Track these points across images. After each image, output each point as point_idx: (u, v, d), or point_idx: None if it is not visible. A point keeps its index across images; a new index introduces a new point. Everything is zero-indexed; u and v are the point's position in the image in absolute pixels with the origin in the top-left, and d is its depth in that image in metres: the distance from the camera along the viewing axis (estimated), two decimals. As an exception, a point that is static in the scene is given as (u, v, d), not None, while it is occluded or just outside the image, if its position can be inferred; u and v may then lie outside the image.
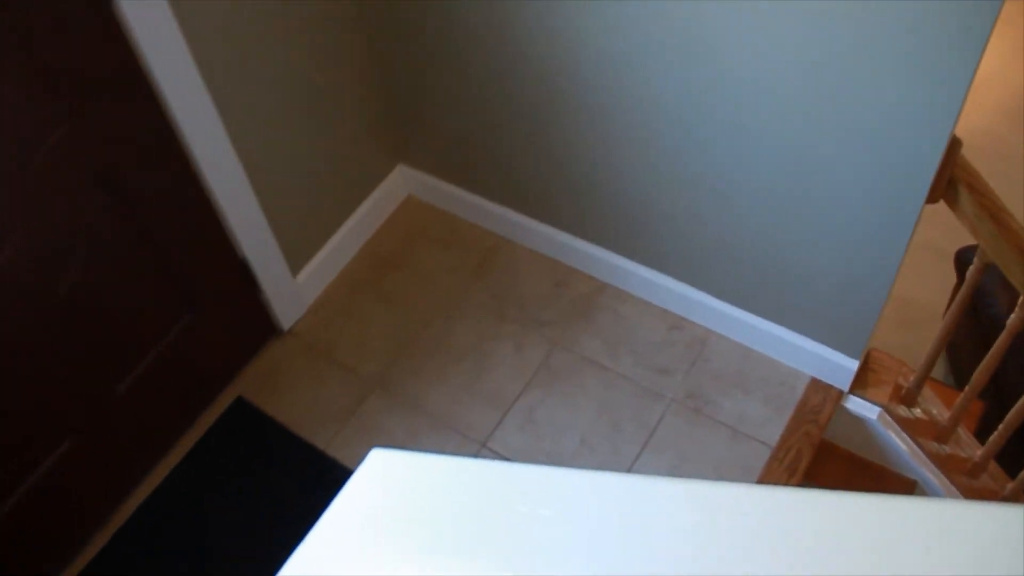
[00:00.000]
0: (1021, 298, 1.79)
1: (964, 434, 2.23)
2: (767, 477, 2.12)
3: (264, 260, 2.26)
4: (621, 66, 1.85)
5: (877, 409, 2.20)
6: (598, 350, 2.38)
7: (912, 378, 2.17)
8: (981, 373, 2.00)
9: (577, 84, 1.96)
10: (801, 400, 2.22)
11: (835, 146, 1.70)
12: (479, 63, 2.09)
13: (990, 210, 1.67)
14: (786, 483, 2.10)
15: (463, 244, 2.61)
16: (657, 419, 2.25)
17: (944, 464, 2.22)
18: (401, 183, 2.64)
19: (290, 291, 2.39)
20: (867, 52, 1.51)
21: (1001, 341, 1.90)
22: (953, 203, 1.70)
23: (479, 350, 2.40)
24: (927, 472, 2.24)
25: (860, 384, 2.20)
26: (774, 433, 2.19)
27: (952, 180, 1.66)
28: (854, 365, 2.14)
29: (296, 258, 2.38)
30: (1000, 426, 2.09)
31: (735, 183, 1.93)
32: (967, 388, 2.07)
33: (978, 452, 2.19)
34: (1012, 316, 1.84)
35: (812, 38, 1.55)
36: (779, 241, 1.99)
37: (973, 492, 2.24)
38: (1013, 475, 2.22)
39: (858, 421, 2.23)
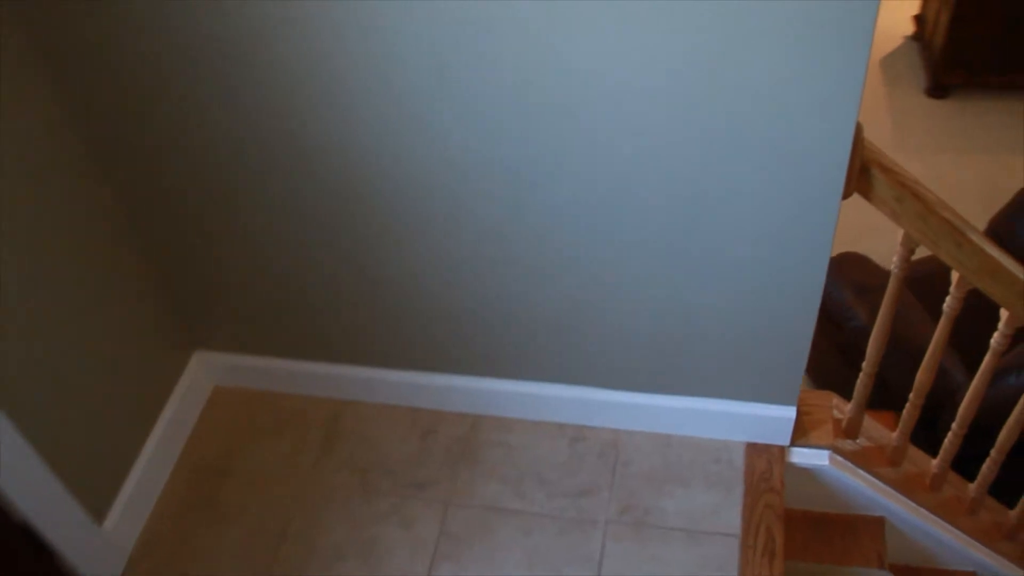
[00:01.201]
0: (955, 279, 1.62)
1: (913, 450, 2.03)
2: (748, 571, 1.79)
3: (53, 516, 1.69)
4: (444, 161, 1.54)
5: (825, 452, 1.95)
6: (500, 494, 1.98)
7: (848, 407, 1.95)
8: (925, 372, 1.81)
9: (397, 200, 1.63)
10: (746, 472, 1.93)
11: (733, 180, 1.47)
12: (265, 209, 1.71)
13: (910, 188, 1.50)
14: (770, 572, 1.78)
15: (298, 423, 2.14)
16: (599, 549, 1.87)
17: (906, 487, 2.01)
18: (203, 373, 2.14)
19: (97, 544, 1.81)
20: (752, 56, 1.30)
21: (940, 330, 1.73)
22: (868, 191, 1.51)
23: (360, 541, 1.92)
24: (891, 502, 2.01)
25: (799, 432, 1.95)
26: (733, 519, 1.87)
27: (864, 166, 1.48)
28: (792, 413, 1.89)
29: (97, 502, 1.81)
30: (950, 434, 1.92)
31: (615, 262, 1.66)
32: (912, 396, 1.88)
33: (934, 462, 2.00)
34: (947, 300, 1.67)
35: (680, 50, 1.32)
36: (682, 310, 1.73)
37: (940, 507, 2.04)
38: (971, 477, 2.05)
39: (809, 473, 1.98)
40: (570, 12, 1.29)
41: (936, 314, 1.74)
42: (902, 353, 2.43)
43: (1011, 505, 2.08)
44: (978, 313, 2.53)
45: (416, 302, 1.85)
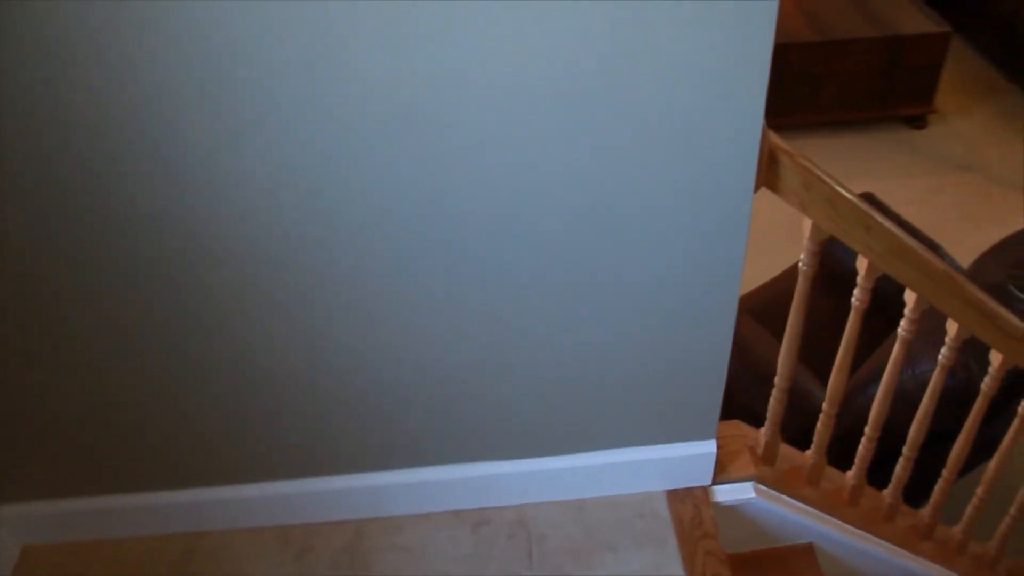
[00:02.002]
0: (864, 267, 1.54)
1: (828, 468, 1.93)
2: (706, 629, 1.58)
3: None
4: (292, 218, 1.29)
5: (749, 484, 1.81)
6: (405, 607, 1.68)
7: (763, 431, 1.82)
8: (838, 377, 1.72)
9: (233, 274, 1.35)
10: (674, 521, 1.74)
11: (636, 189, 1.31)
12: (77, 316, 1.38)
13: (815, 172, 1.41)
14: (727, 624, 1.59)
15: (141, 570, 1.73)
16: (535, 645, 1.61)
17: (829, 505, 1.90)
18: (7, 533, 1.69)
19: None
20: (649, 45, 1.16)
21: (851, 327, 1.64)
22: (776, 181, 1.41)
23: None
24: (819, 524, 1.89)
25: (718, 468, 1.79)
26: (677, 574, 1.67)
27: (771, 154, 1.37)
28: (712, 447, 1.73)
29: None
30: (863, 440, 1.84)
31: (502, 311, 1.45)
32: (826, 407, 1.78)
33: (850, 475, 1.91)
34: (856, 293, 1.59)
35: (566, 42, 1.16)
36: (585, 353, 1.54)
37: (862, 520, 1.95)
38: (882, 485, 1.98)
39: (734, 511, 1.82)
40: (426, 6, 1.10)
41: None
42: (752, 377, 2.38)
43: (909, 504, 2.05)
44: (821, 330, 2.54)
45: (268, 401, 1.55)
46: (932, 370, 1.73)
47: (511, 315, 1.46)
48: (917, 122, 4.77)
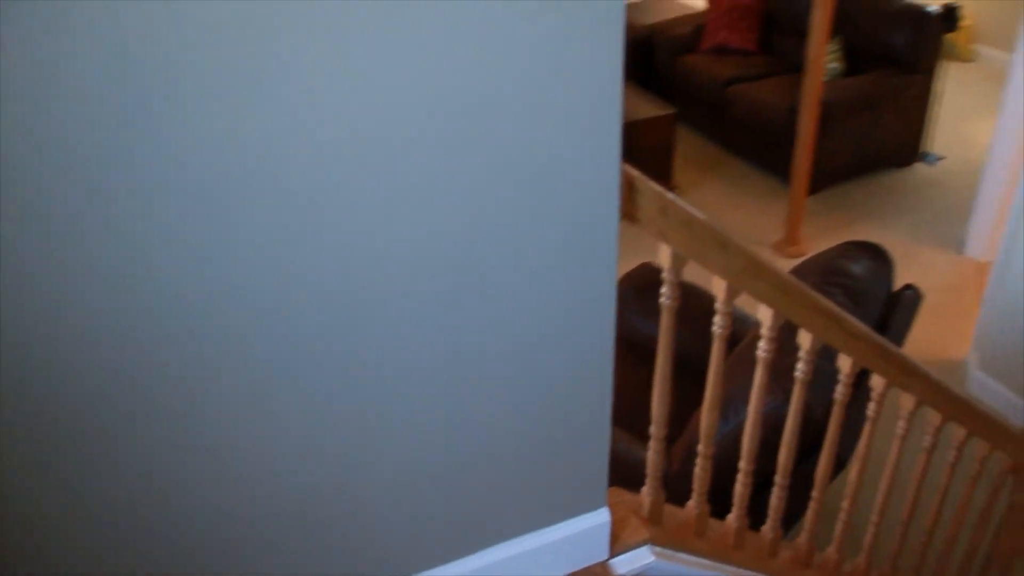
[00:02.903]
0: (723, 291, 1.52)
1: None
2: None
3: None
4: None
5: (646, 549, 1.70)
6: None
7: (645, 489, 1.74)
8: (709, 413, 1.68)
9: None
10: (583, 604, 1.60)
11: (502, 243, 1.22)
12: None
13: (670, 198, 1.38)
14: None
15: None
16: None
17: (719, 554, 1.83)
18: None
19: None
20: (502, 83, 1.10)
21: (716, 355, 1.61)
22: (635, 210, 1.36)
23: None
24: (718, 574, 1.81)
25: (611, 540, 1.67)
26: (600, 661, 1.52)
27: (630, 186, 1.33)
28: (606, 516, 1.61)
29: None
30: (740, 476, 1.80)
31: (356, 413, 1.29)
32: (701, 448, 1.73)
33: (731, 517, 1.86)
34: (716, 320, 1.57)
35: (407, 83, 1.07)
36: (459, 441, 1.39)
37: (752, 561, 1.90)
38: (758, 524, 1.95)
39: (637, 580, 1.70)
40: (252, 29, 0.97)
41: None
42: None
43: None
44: (625, 397, 2.54)
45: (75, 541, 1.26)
46: (776, 406, 1.74)
47: (370, 408, 1.29)
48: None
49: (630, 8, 6.63)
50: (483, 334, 1.28)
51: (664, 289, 1.49)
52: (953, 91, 6.22)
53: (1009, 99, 4.25)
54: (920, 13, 5.04)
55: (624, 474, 2.13)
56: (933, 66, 5.18)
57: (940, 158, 5.54)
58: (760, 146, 5.35)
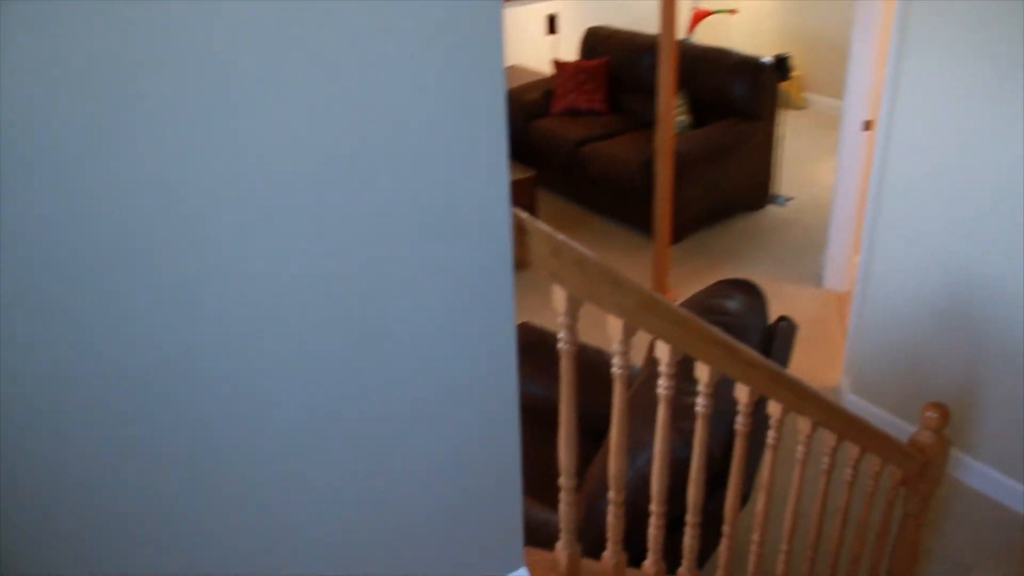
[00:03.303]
0: (620, 329, 1.51)
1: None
2: None
3: None
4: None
5: (568, 605, 1.64)
6: None
7: (559, 544, 1.68)
8: (617, 460, 1.65)
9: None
10: (511, 673, 1.51)
11: (401, 303, 1.17)
12: None
13: (561, 239, 1.36)
14: None
15: None
16: None
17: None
18: None
19: None
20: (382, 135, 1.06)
21: (619, 397, 1.59)
22: (527, 253, 1.33)
23: None
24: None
25: (531, 599, 1.61)
26: None
27: (520, 229, 1.30)
28: (524, 574, 1.54)
29: None
30: (652, 518, 1.77)
31: (246, 508, 1.19)
32: (612, 495, 1.69)
33: (647, 564, 1.82)
34: (615, 361, 1.55)
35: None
36: (368, 515, 1.31)
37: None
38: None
39: (563, 640, 1.63)
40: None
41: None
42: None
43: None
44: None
45: None
46: (673, 447, 1.73)
47: (265, 476, 1.20)
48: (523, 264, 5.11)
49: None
50: (384, 392, 1.21)
51: (562, 334, 1.46)
52: (792, 136, 6.58)
53: (844, 140, 4.51)
54: (756, 64, 5.33)
55: (525, 536, 2.07)
56: (773, 113, 5.47)
57: (789, 199, 5.82)
58: (619, 202, 5.49)
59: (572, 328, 1.46)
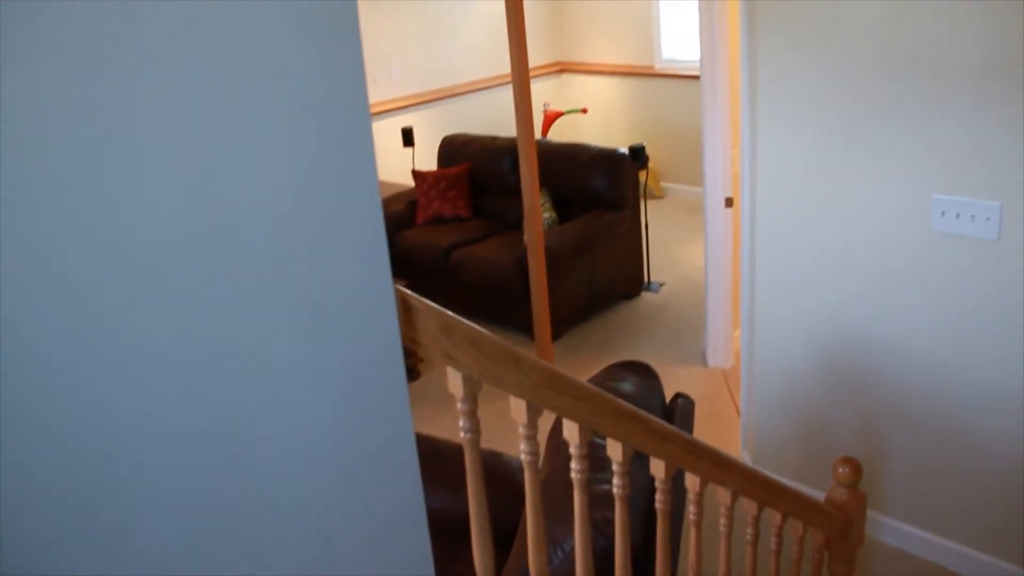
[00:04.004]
0: (523, 413, 1.37)
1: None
2: None
3: None
4: None
5: None
6: None
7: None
8: (536, 554, 1.49)
9: None
10: None
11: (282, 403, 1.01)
12: None
13: (451, 315, 1.23)
14: None
15: None
16: None
17: None
18: None
19: None
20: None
21: (531, 486, 1.44)
22: (415, 335, 1.20)
23: None
24: None
25: None
26: None
27: (405, 306, 1.17)
28: None
29: None
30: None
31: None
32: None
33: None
34: (523, 445, 1.41)
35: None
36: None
37: None
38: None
39: None
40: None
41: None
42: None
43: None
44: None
45: None
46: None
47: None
48: (410, 375, 4.95)
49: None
50: (265, 508, 1.03)
51: (462, 422, 1.32)
52: (656, 224, 6.72)
53: (709, 219, 4.60)
54: (613, 155, 5.44)
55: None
56: (636, 201, 5.56)
57: (662, 284, 5.88)
58: (495, 304, 5.42)
59: (472, 414, 1.31)
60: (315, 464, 1.05)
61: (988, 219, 2.78)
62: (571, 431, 1.45)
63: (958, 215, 2.84)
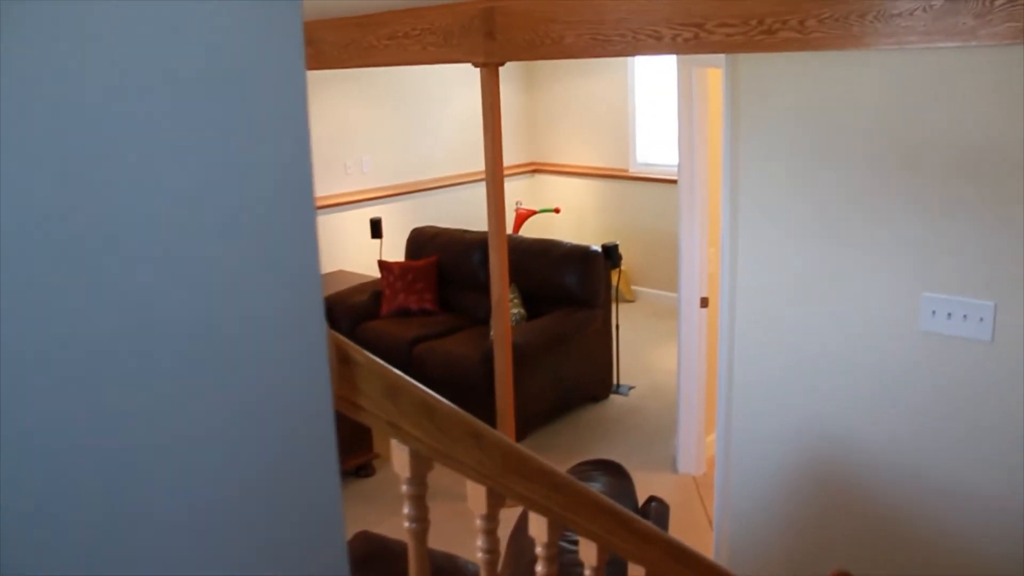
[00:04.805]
0: (481, 499, 1.15)
1: None
2: None
3: None
4: None
5: None
6: None
7: None
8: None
9: None
10: None
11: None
12: None
13: (398, 375, 1.02)
14: None
15: None
16: None
17: None
18: None
19: None
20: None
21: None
22: (354, 396, 0.98)
23: None
24: None
25: None
26: None
27: (342, 359, 0.95)
28: None
29: None
30: None
31: None
32: None
33: None
34: (480, 544, 1.18)
35: None
36: None
37: None
38: None
39: None
40: None
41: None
42: None
43: None
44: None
45: None
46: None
47: None
48: (364, 471, 4.68)
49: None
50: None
51: (407, 509, 1.09)
52: (626, 327, 6.56)
53: (684, 320, 4.44)
54: (586, 252, 5.30)
55: None
56: (608, 301, 5.40)
57: (631, 387, 5.68)
58: (459, 401, 5.08)
59: (420, 501, 1.09)
60: (218, 550, 0.81)
61: (981, 319, 2.63)
62: (539, 526, 1.22)
63: (950, 315, 2.69)
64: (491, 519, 1.15)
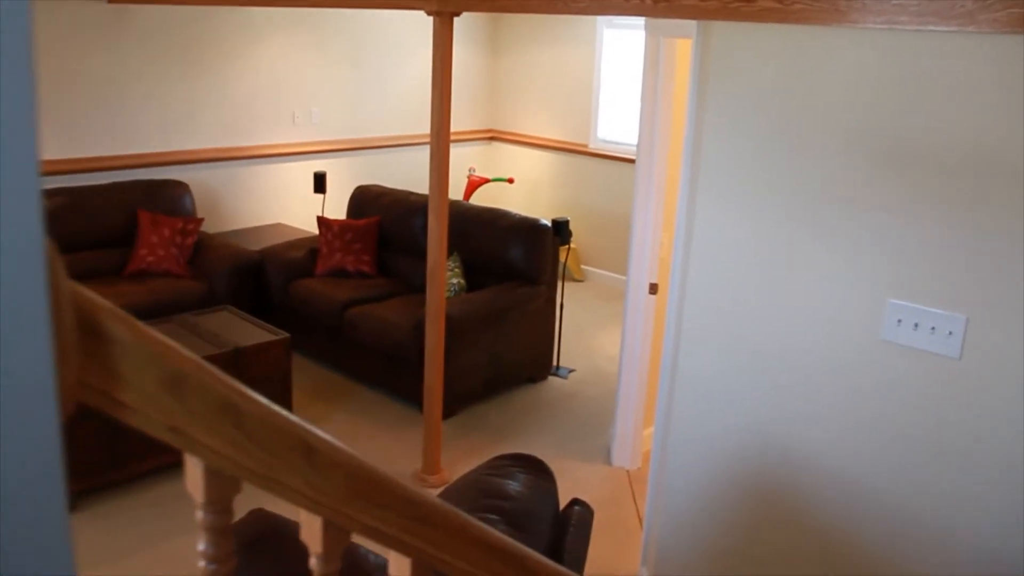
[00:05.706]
0: (316, 533, 0.85)
1: None
2: None
3: None
4: None
5: None
6: None
7: None
8: None
9: None
10: None
11: None
12: None
13: (188, 356, 0.71)
14: None
15: None
16: None
17: None
18: None
19: None
20: None
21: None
22: (116, 393, 0.67)
23: None
24: None
25: None
26: None
27: (87, 329, 0.64)
28: None
29: None
30: None
31: None
32: None
33: None
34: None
35: None
36: None
37: None
38: None
39: None
40: None
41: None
42: None
43: None
44: None
45: None
46: None
47: None
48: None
49: (240, 234, 6.07)
50: None
51: (202, 545, 0.78)
52: (572, 307, 6.29)
53: (629, 312, 4.18)
54: (535, 225, 5.01)
55: None
56: (554, 278, 5.12)
57: (572, 370, 5.42)
58: (387, 371, 4.87)
59: (222, 535, 0.78)
60: None
61: (950, 333, 2.38)
62: (399, 568, 0.92)
63: (916, 325, 2.44)
64: (330, 560, 0.85)
